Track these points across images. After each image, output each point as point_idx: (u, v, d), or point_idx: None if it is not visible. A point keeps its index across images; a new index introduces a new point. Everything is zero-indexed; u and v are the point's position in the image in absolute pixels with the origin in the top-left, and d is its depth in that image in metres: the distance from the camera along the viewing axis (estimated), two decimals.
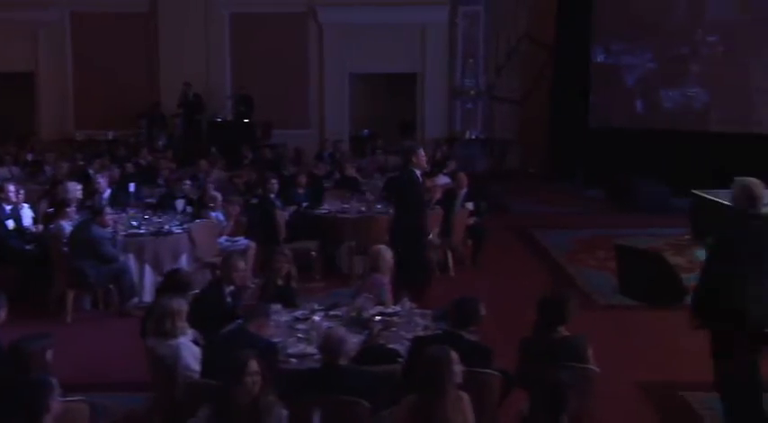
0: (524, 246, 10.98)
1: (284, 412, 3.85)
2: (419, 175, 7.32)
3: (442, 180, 11.14)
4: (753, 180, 5.05)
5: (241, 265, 5.75)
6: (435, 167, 12.13)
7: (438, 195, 9.87)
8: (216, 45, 16.58)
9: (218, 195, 9.11)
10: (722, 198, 10.01)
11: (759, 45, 13.31)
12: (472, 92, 16.61)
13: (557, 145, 15.91)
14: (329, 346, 4.23)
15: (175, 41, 16.16)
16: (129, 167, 11.06)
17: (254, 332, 4.58)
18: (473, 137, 16.55)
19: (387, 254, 5.98)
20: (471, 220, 9.71)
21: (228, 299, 5.68)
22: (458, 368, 3.93)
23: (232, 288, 5.73)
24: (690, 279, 8.90)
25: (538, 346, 4.49)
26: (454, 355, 3.95)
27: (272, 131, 16.17)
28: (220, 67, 16.60)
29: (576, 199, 14.39)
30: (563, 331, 4.50)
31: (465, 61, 16.57)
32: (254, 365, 3.72)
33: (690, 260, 9.92)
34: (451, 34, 16.51)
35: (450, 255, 9.25)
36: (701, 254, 10.01)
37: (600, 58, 15.39)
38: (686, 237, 10.89)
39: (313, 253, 9.03)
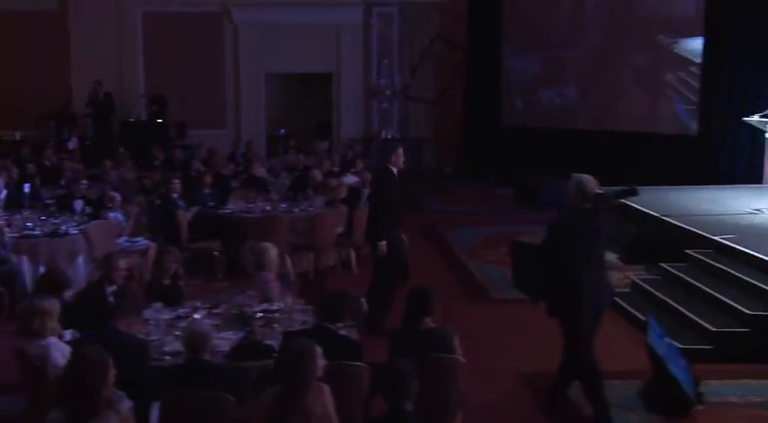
0: (431, 243, 11.15)
1: (128, 404, 3.87)
2: (395, 173, 7.28)
3: (351, 179, 11.24)
4: (586, 176, 5.35)
5: (122, 264, 5.73)
6: (344, 166, 12.23)
7: (342, 194, 9.99)
8: (128, 44, 16.36)
9: (117, 196, 9.03)
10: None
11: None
12: (388, 92, 16.77)
13: (471, 144, 16.20)
14: (192, 341, 4.27)
15: (86, 40, 15.90)
16: (30, 168, 10.85)
17: (123, 331, 4.58)
18: (389, 136, 16.67)
19: (272, 252, 6.03)
20: None
21: (110, 298, 5.66)
22: (321, 361, 4.01)
23: (114, 287, 5.71)
24: None
25: (406, 338, 4.61)
26: (317, 348, 4.02)
27: (186, 132, 16.02)
28: (133, 66, 16.39)
29: (488, 197, 14.67)
30: (429, 323, 4.63)
31: (380, 62, 16.73)
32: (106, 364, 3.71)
33: None
34: (366, 35, 16.65)
35: (352, 253, 9.36)
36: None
37: (510, 59, 15.77)
38: None
39: (216, 253, 9.03)
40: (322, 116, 17.26)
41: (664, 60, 13.49)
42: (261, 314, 5.45)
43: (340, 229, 9.45)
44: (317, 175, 10.54)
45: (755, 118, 9.16)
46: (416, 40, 16.73)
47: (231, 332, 5.23)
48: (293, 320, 5.41)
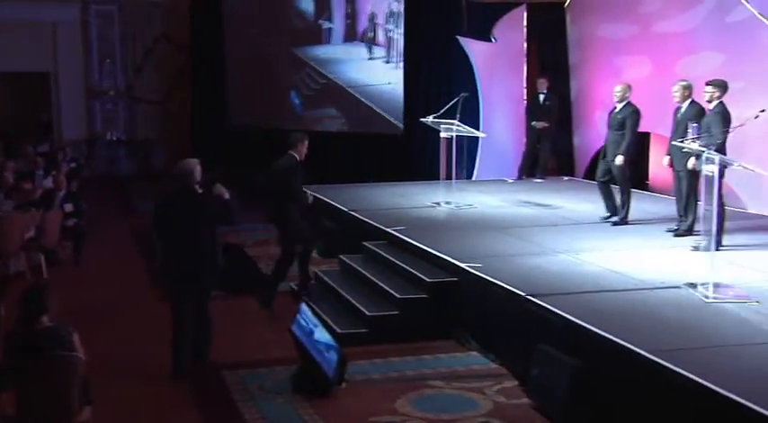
0: (139, 245, 11.04)
1: None
2: (298, 160, 7.80)
3: (48, 182, 10.86)
4: (190, 160, 6.32)
5: None
6: (48, 168, 11.80)
7: (36, 196, 9.67)
8: None
9: None
10: (328, 195, 10.86)
11: None
12: (111, 92, 16.35)
13: (199, 144, 16.16)
14: None
15: None
16: None
17: None
18: (115, 138, 16.26)
19: None
20: (71, 222, 9.63)
21: None
22: None
23: None
24: (293, 268, 9.65)
25: (21, 338, 4.59)
26: None
27: None
28: None
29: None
30: (46, 321, 4.63)
31: (102, 61, 16.25)
32: None
33: None
34: (85, 33, 16.11)
35: (42, 256, 9.08)
36: None
37: (233, 59, 15.94)
38: None
39: None
40: (44, 117, 16.48)
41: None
42: None
43: (30, 234, 9.14)
44: (9, 177, 10.09)
45: (430, 119, 9.95)
46: (140, 40, 16.46)
47: None
48: None
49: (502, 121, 12.61)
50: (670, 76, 11.15)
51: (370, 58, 14.09)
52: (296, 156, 7.88)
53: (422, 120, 10.26)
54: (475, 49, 12.26)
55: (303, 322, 6.14)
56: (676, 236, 7.99)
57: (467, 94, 9.90)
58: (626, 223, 8.61)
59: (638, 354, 4.80)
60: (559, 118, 12.38)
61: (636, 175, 10.78)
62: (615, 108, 8.82)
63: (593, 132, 12.52)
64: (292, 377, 6.04)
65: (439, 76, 12.63)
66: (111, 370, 6.01)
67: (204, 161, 16.14)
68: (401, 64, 13.33)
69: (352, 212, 9.58)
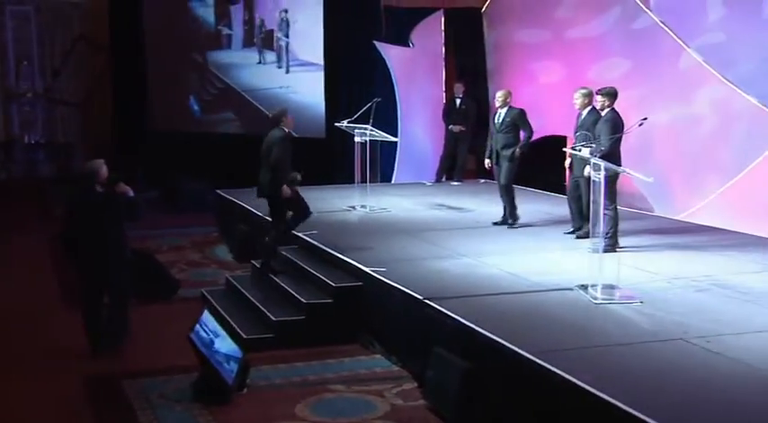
0: (54, 251, 10.87)
1: None
2: (286, 133, 7.91)
3: None
4: (95, 161, 6.90)
5: None
6: None
7: None
8: None
9: None
10: (243, 198, 10.87)
11: None
12: (29, 94, 16.03)
13: (120, 147, 15.98)
14: None
15: None
16: None
17: None
18: (33, 141, 15.96)
19: None
20: None
21: None
22: None
23: None
24: (207, 273, 9.65)
25: None
26: None
27: None
28: None
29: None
30: None
31: (18, 63, 15.92)
32: None
33: (206, 256, 10.65)
34: (1, 35, 15.77)
35: None
36: (221, 251, 10.81)
37: (153, 61, 15.82)
38: (214, 234, 11.65)
39: None
40: None
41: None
42: None
43: None
44: None
45: (344, 123, 10.05)
46: (58, 41, 16.17)
47: None
48: None
49: (420, 124, 12.80)
50: (582, 82, 11.44)
51: (264, 63, 14.55)
52: (284, 129, 7.94)
53: (336, 124, 10.35)
54: (392, 54, 12.41)
55: (203, 332, 6.15)
56: (578, 238, 8.23)
57: (380, 99, 10.04)
58: (515, 223, 8.86)
59: (521, 355, 4.96)
60: (476, 122, 12.60)
61: (554, 178, 11.06)
62: (497, 112, 9.06)
63: None
64: (192, 384, 6.06)
65: (359, 81, 12.74)
66: (9, 381, 5.96)
67: (125, 163, 16.08)
68: (293, 68, 13.82)
69: (268, 217, 9.59)
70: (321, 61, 13.45)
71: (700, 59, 10.01)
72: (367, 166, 9.88)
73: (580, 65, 11.68)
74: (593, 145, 7.19)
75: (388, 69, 12.25)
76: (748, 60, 9.54)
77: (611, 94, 7.68)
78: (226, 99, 15.13)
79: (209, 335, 6.13)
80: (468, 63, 13.28)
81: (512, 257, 7.52)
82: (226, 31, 15.02)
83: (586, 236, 8.15)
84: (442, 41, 12.95)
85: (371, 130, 9.65)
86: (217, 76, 15.15)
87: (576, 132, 8.27)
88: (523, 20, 12.75)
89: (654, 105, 10.79)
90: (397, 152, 12.10)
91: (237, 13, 14.90)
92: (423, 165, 12.64)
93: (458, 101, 12.36)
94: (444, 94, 12.93)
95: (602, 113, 7.68)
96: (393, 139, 9.73)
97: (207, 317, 6.34)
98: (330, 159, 13.24)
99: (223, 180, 12.91)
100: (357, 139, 9.86)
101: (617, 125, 7.45)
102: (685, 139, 10.43)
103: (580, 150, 6.98)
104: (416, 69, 12.72)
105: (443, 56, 13.06)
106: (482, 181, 12.71)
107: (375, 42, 12.27)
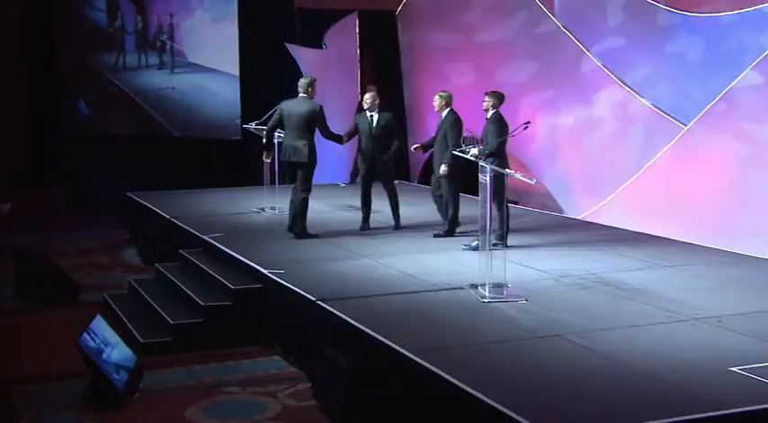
0: None
1: None
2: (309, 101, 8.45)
3: None
4: None
5: None
6: None
7: None
8: None
9: None
10: (152, 201, 10.79)
11: None
12: None
13: (36, 148, 15.69)
14: None
15: None
16: None
17: None
18: None
19: None
20: None
21: None
22: None
23: None
24: (114, 277, 9.53)
25: None
26: None
27: None
28: None
29: (47, 202, 14.31)
30: None
31: None
32: None
33: (114, 259, 10.53)
34: None
35: None
36: (129, 254, 10.70)
37: (68, 61, 15.56)
38: (126, 237, 11.52)
39: None
40: None
41: None
42: None
43: None
44: None
45: (252, 125, 10.05)
46: None
47: None
48: None
49: (336, 126, 12.72)
50: (492, 84, 11.68)
51: (155, 66, 14.68)
52: (306, 96, 8.52)
53: (244, 126, 10.35)
54: (304, 57, 12.45)
55: (92, 341, 6.09)
56: (435, 237, 8.44)
57: None
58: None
59: (402, 354, 5.07)
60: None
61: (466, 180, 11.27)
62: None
63: (425, 138, 12.86)
64: (83, 390, 6.01)
65: (275, 83, 12.72)
66: None
67: (41, 166, 15.78)
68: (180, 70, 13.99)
69: (173, 219, 9.56)
70: (236, 62, 13.44)
71: (599, 63, 10.34)
72: (276, 168, 9.90)
73: (489, 68, 11.93)
74: (473, 145, 7.43)
75: (300, 71, 12.28)
76: (645, 65, 9.90)
77: (498, 97, 7.89)
78: (116, 101, 15.06)
79: (97, 344, 6.07)
80: (384, 65, 13.40)
81: (411, 258, 7.64)
82: (118, 33, 14.97)
83: (445, 235, 8.37)
84: (357, 44, 13.03)
85: (279, 133, 9.66)
86: (107, 78, 15.10)
87: (435, 133, 8.46)
88: (435, 23, 12.95)
89: (559, 108, 11.11)
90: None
91: (130, 15, 14.86)
92: (338, 166, 12.71)
93: None
94: (360, 95, 13.01)
95: (488, 115, 7.88)
96: None
97: (97, 324, 6.27)
98: (245, 161, 13.21)
99: (137, 182, 12.81)
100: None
101: (502, 126, 7.68)
102: (588, 141, 10.77)
103: (468, 152, 7.14)
104: (331, 71, 12.78)
105: (359, 58, 13.15)
106: (396, 182, 12.82)
107: (287, 44, 12.28)
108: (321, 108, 8.46)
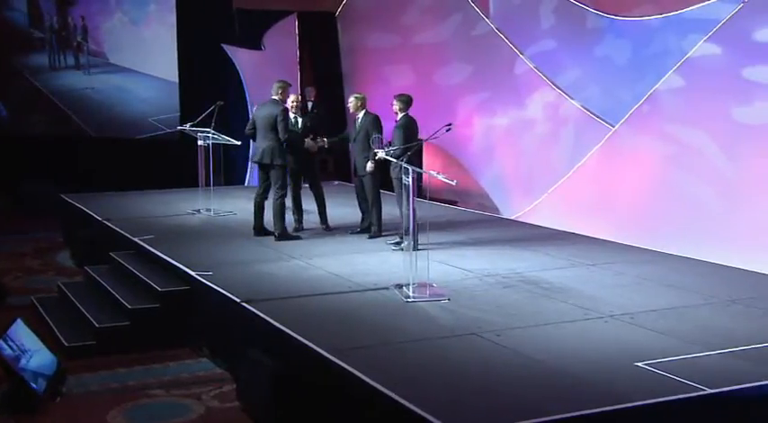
0: None
1: None
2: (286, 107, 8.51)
3: None
4: None
5: None
6: None
7: None
8: None
9: None
10: (85, 203, 10.66)
11: None
12: None
13: None
14: None
15: None
16: None
17: None
18: None
19: None
20: None
21: None
22: None
23: None
24: (45, 280, 9.39)
25: None
26: None
27: None
28: None
29: None
30: None
31: None
32: None
33: (46, 262, 10.39)
34: None
35: None
36: (62, 257, 10.56)
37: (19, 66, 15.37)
38: (59, 239, 11.36)
39: None
40: None
41: None
42: None
43: None
44: None
45: (187, 126, 10.01)
46: None
47: None
48: None
49: None
50: (430, 85, 11.82)
51: (74, 67, 14.67)
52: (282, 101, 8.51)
53: (179, 128, 10.31)
54: (242, 58, 12.42)
55: (8, 349, 5.99)
56: (370, 238, 8.53)
57: (222, 102, 10.03)
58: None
59: (320, 353, 5.11)
60: (330, 124, 12.73)
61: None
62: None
63: None
64: (1, 395, 5.93)
65: (212, 84, 12.67)
66: None
67: None
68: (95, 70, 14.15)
69: (105, 222, 9.47)
70: (175, 63, 13.34)
71: (532, 66, 10.50)
72: (210, 170, 9.88)
73: (427, 69, 12.04)
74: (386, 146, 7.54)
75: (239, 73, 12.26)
76: (575, 67, 10.09)
77: (406, 102, 8.08)
78: (34, 101, 14.91)
79: (15, 351, 5.98)
80: (324, 66, 13.43)
81: (340, 259, 7.68)
82: (37, 34, 14.86)
83: (377, 235, 8.47)
84: (297, 45, 13.04)
85: (213, 134, 9.66)
86: (26, 79, 14.95)
87: (354, 134, 8.56)
88: (374, 24, 13.03)
89: (494, 109, 11.26)
90: (251, 155, 12.10)
91: (51, 16, 14.75)
92: None
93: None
94: (300, 97, 13.00)
95: (398, 117, 8.01)
96: (235, 142, 9.74)
97: (15, 330, 6.18)
98: (182, 162, 13.12)
99: (71, 184, 12.63)
100: (200, 142, 9.85)
101: (409, 129, 7.83)
102: (522, 142, 10.93)
103: (388, 153, 7.25)
104: (270, 72, 12.72)
105: (298, 59, 13.15)
106: (336, 182, 12.88)
107: (223, 46, 12.24)
108: (283, 111, 8.47)
